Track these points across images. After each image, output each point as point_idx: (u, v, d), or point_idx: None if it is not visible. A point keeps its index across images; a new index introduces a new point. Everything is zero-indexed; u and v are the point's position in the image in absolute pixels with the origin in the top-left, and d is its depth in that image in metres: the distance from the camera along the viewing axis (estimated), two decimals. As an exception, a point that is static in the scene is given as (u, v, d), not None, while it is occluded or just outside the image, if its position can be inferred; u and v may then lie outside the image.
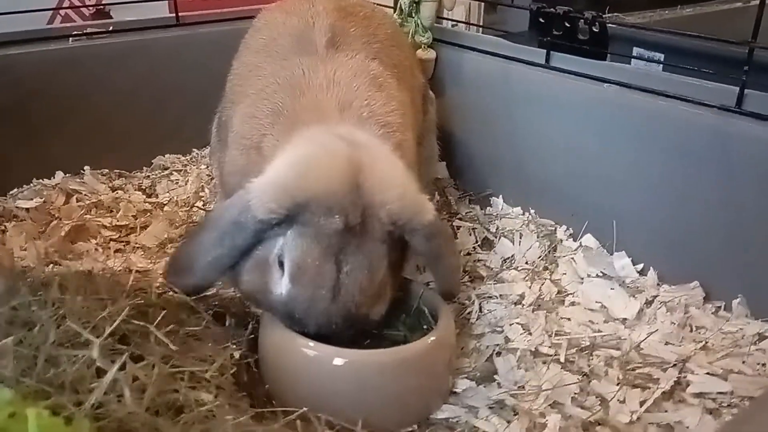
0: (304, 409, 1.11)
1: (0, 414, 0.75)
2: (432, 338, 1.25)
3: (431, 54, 2.03)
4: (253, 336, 1.32)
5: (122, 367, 0.95)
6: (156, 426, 0.88)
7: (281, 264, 1.20)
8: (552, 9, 1.70)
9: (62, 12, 2.29)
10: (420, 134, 1.68)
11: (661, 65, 2.32)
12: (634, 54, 2.60)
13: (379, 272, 1.22)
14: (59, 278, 1.19)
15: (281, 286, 1.20)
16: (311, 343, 1.20)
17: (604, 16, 2.74)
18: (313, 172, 1.19)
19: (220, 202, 1.65)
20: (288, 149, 1.27)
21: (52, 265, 1.61)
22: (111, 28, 2.04)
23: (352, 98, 1.37)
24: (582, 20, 1.67)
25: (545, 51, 1.80)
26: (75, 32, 1.99)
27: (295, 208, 1.17)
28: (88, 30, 2.01)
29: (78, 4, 2.30)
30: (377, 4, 2.10)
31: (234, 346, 1.22)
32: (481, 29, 2.27)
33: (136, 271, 1.42)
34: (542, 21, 1.76)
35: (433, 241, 1.29)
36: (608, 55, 1.77)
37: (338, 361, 1.18)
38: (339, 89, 1.38)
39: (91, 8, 2.32)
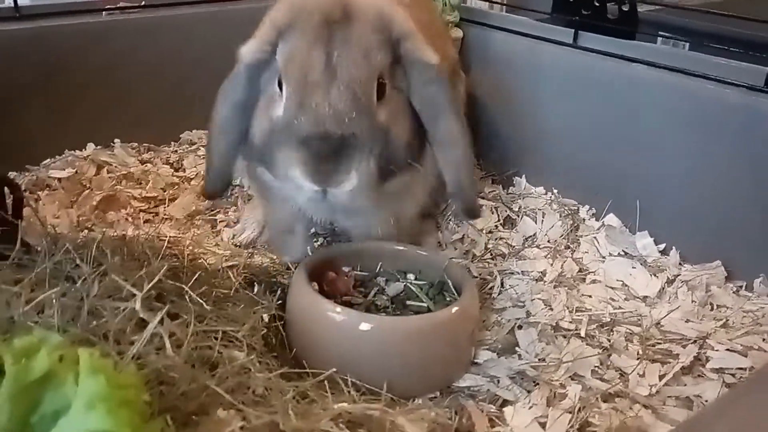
0: (333, 370, 1.14)
1: (50, 357, 0.79)
2: (456, 308, 1.28)
3: (458, 33, 2.05)
4: (281, 302, 1.35)
5: (161, 321, 0.99)
6: (194, 377, 0.92)
7: (281, 85, 1.24)
8: (581, -12, 1.70)
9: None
10: None
11: (688, 45, 2.30)
12: (659, 41, 2.59)
13: (373, 58, 1.22)
14: (96, 241, 1.23)
15: (281, 101, 1.23)
16: (338, 308, 1.24)
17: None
18: (297, 4, 1.27)
19: None
20: None
21: (86, 230, 1.66)
22: (143, 3, 2.07)
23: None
24: (612, 1, 1.67)
25: (573, 30, 1.81)
26: (108, 6, 2.02)
27: (279, 36, 1.23)
28: (121, 4, 2.04)
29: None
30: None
31: (263, 310, 1.26)
32: (504, 9, 2.26)
33: (168, 240, 1.45)
34: (571, 1, 1.76)
35: (432, 87, 1.28)
36: (636, 34, 1.76)
37: (364, 326, 1.22)
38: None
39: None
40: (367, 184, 1.22)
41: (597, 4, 1.70)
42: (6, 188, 1.16)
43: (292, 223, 1.54)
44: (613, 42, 1.75)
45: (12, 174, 1.91)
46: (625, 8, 1.67)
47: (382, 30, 1.26)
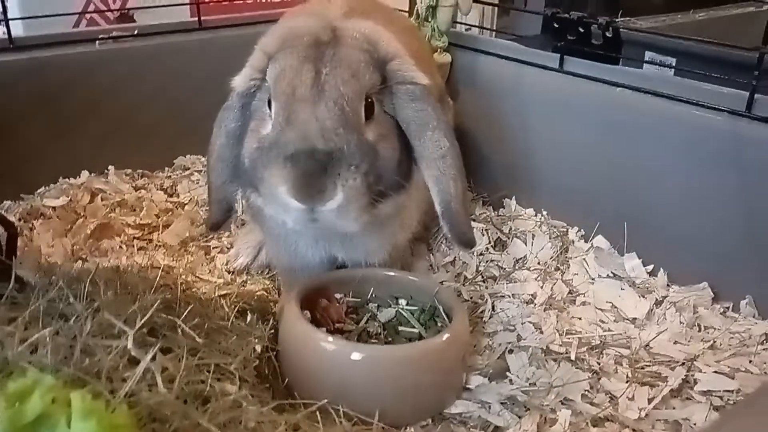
0: (324, 401, 1.16)
1: (43, 399, 0.80)
2: (446, 335, 1.29)
3: (447, 58, 2.07)
4: (273, 331, 1.37)
5: (153, 358, 1.00)
6: (186, 413, 0.93)
7: (269, 102, 1.26)
8: (566, 15, 1.73)
9: (87, 16, 2.34)
10: None
11: (673, 69, 2.35)
12: (647, 58, 2.64)
13: (361, 77, 1.23)
14: (90, 273, 1.25)
15: (270, 119, 1.25)
16: (330, 338, 1.25)
17: (617, 20, 2.77)
18: (285, 28, 1.31)
19: None
20: None
21: (80, 261, 1.67)
22: (136, 32, 2.09)
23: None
24: (596, 26, 1.70)
25: (559, 55, 1.84)
26: (101, 35, 2.05)
27: (269, 61, 1.27)
28: (114, 33, 2.07)
29: (103, 8, 2.36)
30: (395, 9, 2.15)
31: (256, 340, 1.27)
32: (494, 33, 2.29)
33: (161, 269, 1.47)
34: (556, 26, 1.79)
35: (417, 103, 1.28)
36: (621, 59, 1.79)
37: (356, 356, 1.23)
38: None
39: (115, 12, 2.38)
40: (355, 202, 1.19)
41: (581, 30, 1.73)
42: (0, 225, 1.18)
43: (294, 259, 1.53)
44: (598, 67, 1.78)
45: (6, 203, 1.93)
46: (609, 34, 1.70)
47: (370, 51, 1.29)
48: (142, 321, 1.02)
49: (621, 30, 1.77)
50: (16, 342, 0.96)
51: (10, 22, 1.91)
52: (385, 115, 1.30)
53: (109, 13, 2.37)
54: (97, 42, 2.03)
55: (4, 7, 1.90)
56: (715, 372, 1.36)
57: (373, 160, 1.22)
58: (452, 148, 1.28)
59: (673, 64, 2.60)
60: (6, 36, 1.90)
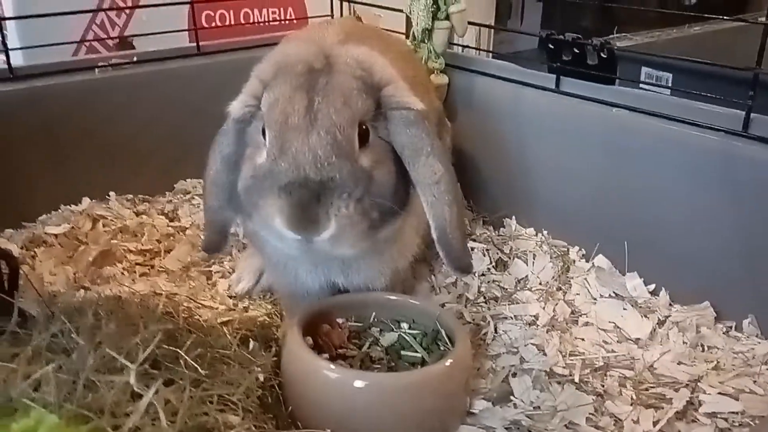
0: (327, 430, 1.15)
1: (47, 438, 0.80)
2: (449, 360, 1.29)
3: (444, 79, 2.09)
4: (276, 358, 1.36)
5: (155, 392, 1.00)
6: (189, 448, 0.93)
7: (263, 131, 1.26)
8: (561, 36, 1.74)
9: (87, 43, 2.37)
10: None
11: (669, 86, 2.36)
12: (642, 74, 2.65)
13: (354, 105, 1.23)
14: (92, 304, 1.25)
15: (264, 148, 1.25)
16: (332, 366, 1.25)
17: (611, 41, 2.80)
18: (280, 55, 1.32)
19: None
20: None
21: (82, 290, 1.67)
22: (135, 59, 2.11)
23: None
24: (591, 47, 1.72)
25: (555, 76, 1.85)
26: (101, 63, 2.06)
27: (264, 89, 1.27)
28: (113, 61, 2.08)
29: (102, 36, 2.38)
30: (391, 31, 2.17)
31: (259, 369, 1.27)
32: (491, 53, 2.31)
33: (165, 296, 1.47)
34: (552, 47, 1.81)
35: (412, 129, 1.28)
36: (617, 80, 1.80)
37: (359, 384, 1.22)
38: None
39: (115, 39, 2.40)
40: (349, 230, 1.20)
41: (577, 51, 1.74)
42: (2, 260, 1.18)
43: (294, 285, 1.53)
44: (594, 87, 1.79)
45: (8, 231, 1.93)
46: (604, 55, 1.72)
47: (363, 77, 1.29)
48: (145, 355, 1.02)
49: (616, 50, 1.77)
50: (19, 378, 0.96)
51: (10, 51, 1.92)
52: (380, 141, 1.30)
53: (108, 40, 2.39)
54: (97, 69, 2.05)
55: (4, 38, 1.92)
56: (720, 393, 1.35)
57: (367, 186, 1.22)
58: (447, 174, 1.28)
59: (670, 80, 2.62)
60: (6, 66, 1.92)
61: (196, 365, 1.14)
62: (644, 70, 2.67)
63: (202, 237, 1.45)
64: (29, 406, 0.91)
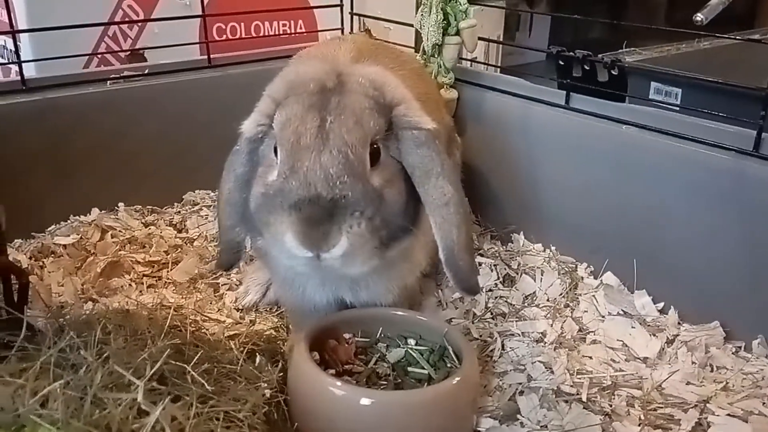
0: (333, 447, 1.15)
1: (54, 456, 0.80)
2: (457, 378, 1.28)
3: (453, 94, 2.09)
4: (282, 374, 1.36)
5: (162, 408, 1.00)
6: (195, 466, 0.93)
7: (275, 149, 1.27)
8: (572, 53, 1.74)
9: (99, 55, 2.39)
10: None
11: (679, 101, 2.36)
12: (652, 89, 2.65)
13: (366, 124, 1.24)
14: (100, 318, 1.25)
15: (276, 166, 1.25)
16: (338, 383, 1.25)
17: (620, 51, 2.79)
18: (292, 74, 1.32)
19: None
20: None
21: (90, 302, 1.68)
22: (146, 71, 2.13)
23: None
24: (601, 63, 1.72)
25: (565, 92, 1.85)
26: (113, 75, 2.08)
27: (277, 108, 1.28)
28: (125, 73, 2.10)
29: (115, 48, 2.40)
30: (400, 45, 2.18)
31: (265, 385, 1.26)
32: (499, 68, 2.31)
33: (173, 309, 1.47)
34: (562, 63, 1.81)
35: (423, 149, 1.28)
36: (627, 97, 1.80)
37: (365, 401, 1.22)
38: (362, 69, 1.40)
39: (126, 51, 2.42)
40: (360, 248, 1.20)
41: (587, 68, 1.74)
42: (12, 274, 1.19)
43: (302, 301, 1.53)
44: (604, 104, 1.79)
45: (17, 241, 1.95)
46: (615, 72, 1.72)
47: (375, 97, 1.29)
48: (152, 371, 1.02)
49: (626, 66, 1.77)
50: (27, 395, 0.96)
51: (23, 63, 1.94)
52: (391, 160, 1.30)
53: (120, 53, 2.41)
54: (109, 81, 2.07)
55: (17, 49, 1.94)
56: (729, 415, 1.34)
57: (378, 205, 1.22)
58: (456, 195, 1.28)
59: (679, 95, 2.61)
60: (19, 77, 1.94)
61: (203, 381, 1.14)
62: (653, 85, 2.67)
63: (216, 254, 1.44)
64: (37, 423, 0.91)
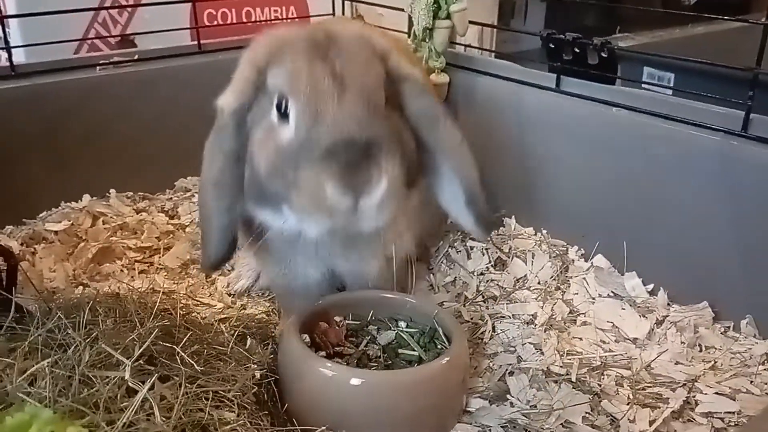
0: (324, 427, 1.16)
1: (41, 433, 0.81)
2: (446, 359, 1.29)
3: (444, 78, 2.09)
4: (273, 356, 1.37)
5: (151, 387, 1.01)
6: (183, 444, 0.93)
7: (281, 110, 1.20)
8: (562, 35, 1.74)
9: (89, 41, 2.37)
10: None
11: (671, 85, 2.36)
12: (645, 74, 2.65)
13: (373, 67, 1.22)
14: (90, 300, 1.25)
15: (286, 124, 1.19)
16: (329, 364, 1.26)
17: (614, 36, 2.79)
18: (272, 38, 1.26)
19: None
20: None
21: (81, 287, 1.68)
22: (136, 57, 2.12)
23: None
24: (591, 46, 1.72)
25: (555, 75, 1.85)
26: (102, 61, 2.07)
27: (262, 73, 1.23)
28: (115, 59, 2.09)
29: (104, 34, 2.38)
30: (393, 30, 2.17)
31: (255, 366, 1.27)
32: (493, 53, 2.31)
33: (162, 293, 1.47)
34: (552, 47, 1.81)
35: (425, 97, 1.28)
36: (617, 79, 1.80)
37: (355, 381, 1.23)
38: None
39: (116, 37, 2.40)
40: (396, 191, 1.16)
41: (577, 51, 1.74)
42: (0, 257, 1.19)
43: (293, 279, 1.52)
44: (594, 87, 1.79)
45: (8, 227, 1.94)
46: (604, 54, 1.72)
47: (370, 47, 1.27)
48: (140, 351, 1.03)
49: (617, 49, 1.77)
50: (15, 374, 0.97)
51: (12, 49, 1.93)
52: (391, 108, 1.27)
53: (110, 39, 2.40)
54: (98, 67, 2.06)
55: (6, 35, 1.93)
56: (716, 393, 1.35)
57: (401, 147, 1.21)
58: (464, 139, 1.30)
59: (672, 80, 2.61)
60: (8, 63, 1.93)
61: (192, 362, 1.14)
62: (646, 69, 2.67)
63: (205, 252, 1.35)
64: (24, 401, 0.91)
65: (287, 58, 1.23)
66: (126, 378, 0.95)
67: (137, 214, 2.10)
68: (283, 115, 1.21)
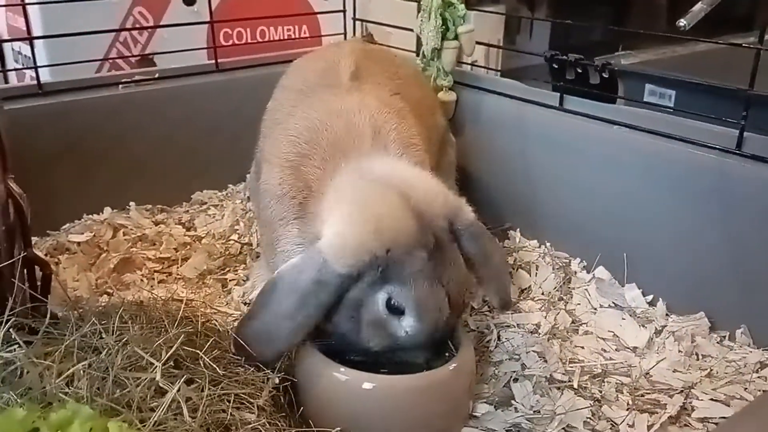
0: (338, 429, 1.23)
1: (82, 428, 0.88)
2: (454, 365, 1.36)
3: (452, 96, 2.17)
4: (288, 362, 1.43)
5: (178, 389, 1.08)
6: (210, 441, 1.00)
7: (392, 309, 1.28)
8: (565, 56, 1.82)
9: (110, 60, 2.47)
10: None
11: (673, 103, 2.43)
12: (646, 90, 2.72)
13: (464, 268, 1.37)
14: (117, 309, 1.33)
15: (402, 327, 1.29)
16: (342, 368, 1.32)
17: (617, 54, 2.87)
18: (382, 224, 1.27)
19: (259, 229, 1.76)
20: (339, 193, 1.37)
21: (105, 295, 1.76)
22: (157, 75, 2.21)
23: (381, 122, 1.49)
24: (593, 67, 1.79)
25: (559, 94, 1.93)
26: (124, 79, 2.16)
27: (375, 261, 1.26)
28: (136, 77, 2.18)
29: (125, 54, 2.48)
30: (401, 49, 2.26)
31: (273, 373, 1.34)
32: (499, 72, 2.39)
33: (184, 302, 1.54)
34: (555, 67, 1.89)
35: (480, 239, 1.39)
36: (618, 98, 1.88)
37: (367, 385, 1.30)
38: (369, 113, 1.49)
39: (137, 56, 2.50)
40: None
41: (579, 71, 1.82)
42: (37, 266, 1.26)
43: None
44: (596, 105, 1.86)
45: (34, 239, 2.01)
46: (605, 75, 1.79)
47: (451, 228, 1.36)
48: (169, 354, 1.10)
49: (617, 68, 1.84)
50: (54, 375, 1.04)
51: (39, 68, 2.03)
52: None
53: (131, 58, 2.49)
54: (120, 85, 2.15)
55: (34, 55, 2.03)
56: (712, 399, 1.41)
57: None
58: (507, 266, 1.51)
59: (673, 97, 2.69)
60: (35, 81, 2.02)
61: (214, 366, 1.21)
62: (648, 87, 2.74)
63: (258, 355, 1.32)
64: (64, 400, 0.98)
65: (408, 277, 1.26)
66: (157, 379, 1.02)
67: (156, 226, 2.18)
68: (393, 311, 1.29)
